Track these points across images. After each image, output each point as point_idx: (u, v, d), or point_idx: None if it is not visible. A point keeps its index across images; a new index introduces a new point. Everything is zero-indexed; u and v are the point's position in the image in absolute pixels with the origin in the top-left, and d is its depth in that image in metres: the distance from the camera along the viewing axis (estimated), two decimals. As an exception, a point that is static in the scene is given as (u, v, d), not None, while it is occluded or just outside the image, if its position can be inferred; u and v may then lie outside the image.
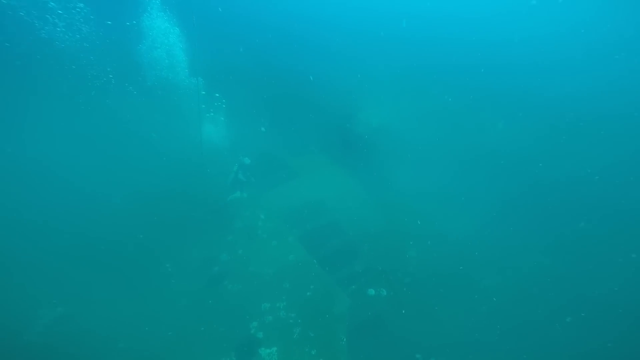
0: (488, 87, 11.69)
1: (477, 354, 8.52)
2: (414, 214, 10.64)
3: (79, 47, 11.14)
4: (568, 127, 10.88)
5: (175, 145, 11.96)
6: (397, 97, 12.10)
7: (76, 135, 11.83)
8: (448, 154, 11.23)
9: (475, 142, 11.13)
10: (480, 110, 11.56)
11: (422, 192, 10.99)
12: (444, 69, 12.21)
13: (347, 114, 12.23)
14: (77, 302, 8.38)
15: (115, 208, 10.37)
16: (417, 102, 11.97)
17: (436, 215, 10.60)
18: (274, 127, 12.70)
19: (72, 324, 8.00)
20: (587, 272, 9.55)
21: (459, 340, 8.65)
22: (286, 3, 13.33)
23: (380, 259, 9.68)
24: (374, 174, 11.44)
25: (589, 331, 8.65)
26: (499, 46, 12.10)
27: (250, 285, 8.99)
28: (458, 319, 9.05)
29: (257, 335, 7.91)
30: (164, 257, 9.52)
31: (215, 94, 12.56)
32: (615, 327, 8.63)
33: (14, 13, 10.10)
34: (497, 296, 9.36)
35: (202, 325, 8.14)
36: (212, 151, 11.48)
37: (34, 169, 10.88)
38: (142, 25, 11.69)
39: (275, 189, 11.32)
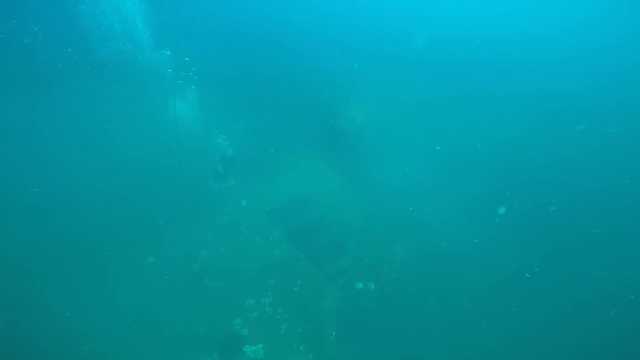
0: (473, 81, 12.25)
1: (463, 348, 8.54)
2: (399, 209, 10.71)
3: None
4: (551, 120, 11.47)
5: (145, 128, 10.94)
6: (381, 93, 12.32)
7: (31, 118, 9.98)
8: (433, 148, 11.48)
9: (460, 137, 11.44)
10: (466, 104, 12.03)
11: (407, 186, 11.13)
12: (428, 64, 12.71)
13: (331, 110, 12.26)
14: (33, 304, 7.43)
15: (84, 202, 9.49)
16: (402, 97, 12.27)
17: (422, 210, 10.72)
18: (257, 123, 12.46)
19: (24, 330, 7.04)
20: (576, 269, 9.66)
21: (445, 334, 8.65)
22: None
23: (366, 254, 9.57)
24: (359, 169, 11.46)
25: (581, 327, 8.71)
26: (485, 41, 12.76)
27: (233, 282, 8.48)
28: (444, 313, 9.06)
29: (242, 332, 7.42)
30: (139, 254, 8.78)
31: (185, 58, 10.68)
32: (612, 328, 8.63)
33: None
34: (482, 290, 9.50)
35: (180, 325, 7.50)
36: (188, 137, 10.51)
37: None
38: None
39: (259, 184, 10.99)
